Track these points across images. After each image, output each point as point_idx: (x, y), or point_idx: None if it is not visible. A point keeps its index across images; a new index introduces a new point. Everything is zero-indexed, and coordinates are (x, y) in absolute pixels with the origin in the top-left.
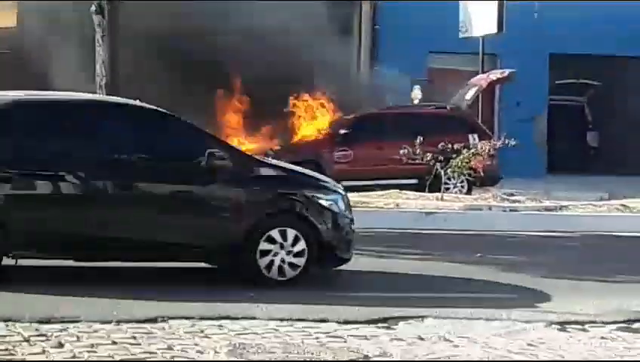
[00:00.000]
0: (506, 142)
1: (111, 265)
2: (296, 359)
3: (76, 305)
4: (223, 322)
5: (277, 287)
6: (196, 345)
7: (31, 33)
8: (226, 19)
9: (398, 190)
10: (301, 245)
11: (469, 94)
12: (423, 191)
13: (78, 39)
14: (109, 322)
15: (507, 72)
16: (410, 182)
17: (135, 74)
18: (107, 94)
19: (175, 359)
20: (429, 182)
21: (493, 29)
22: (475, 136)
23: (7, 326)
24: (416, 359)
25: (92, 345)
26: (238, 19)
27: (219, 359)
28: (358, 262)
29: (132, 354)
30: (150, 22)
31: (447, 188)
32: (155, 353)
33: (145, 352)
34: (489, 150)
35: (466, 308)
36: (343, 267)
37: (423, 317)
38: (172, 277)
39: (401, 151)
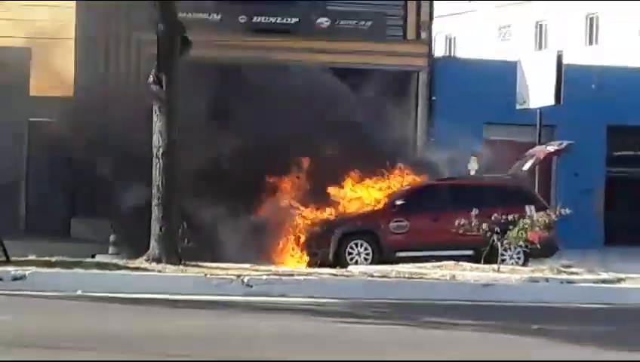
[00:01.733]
0: (561, 212)
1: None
2: None
3: None
4: None
5: None
6: None
7: (87, 102)
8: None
9: (453, 261)
10: None
11: (527, 165)
12: (479, 262)
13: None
14: None
15: (565, 143)
16: (465, 253)
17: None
18: (164, 163)
19: None
20: (484, 254)
21: (551, 101)
22: (532, 207)
23: None
24: None
25: None
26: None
27: None
28: (415, 333)
29: None
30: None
31: (504, 260)
32: None
33: None
34: (546, 221)
35: None
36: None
37: None
38: (228, 348)
39: (457, 223)
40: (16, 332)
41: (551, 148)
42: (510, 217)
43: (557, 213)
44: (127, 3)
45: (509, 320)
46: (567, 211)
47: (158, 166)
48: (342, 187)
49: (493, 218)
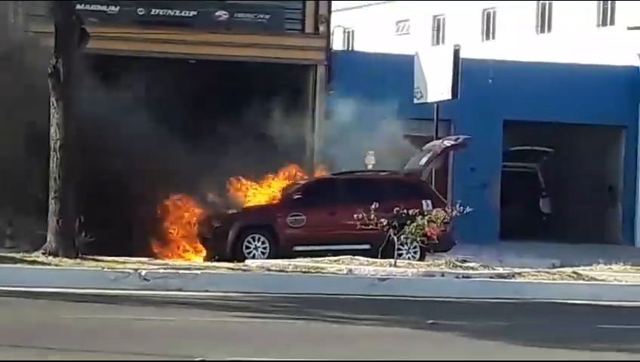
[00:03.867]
0: (462, 209)
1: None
2: None
3: None
4: None
5: None
6: None
7: None
8: None
9: (350, 256)
10: None
11: (423, 160)
12: (376, 257)
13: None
14: None
15: (461, 138)
16: (362, 248)
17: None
18: (61, 156)
19: None
20: (381, 248)
21: (448, 95)
22: (429, 202)
23: None
24: None
25: None
26: None
27: None
28: (310, 328)
29: None
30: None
31: (400, 254)
32: None
33: None
34: (444, 217)
35: None
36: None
37: None
38: (121, 342)
39: (356, 217)
40: None
41: (448, 143)
42: (410, 212)
43: (456, 210)
44: None
45: (405, 314)
46: (469, 209)
47: (55, 159)
48: (239, 183)
49: (394, 211)
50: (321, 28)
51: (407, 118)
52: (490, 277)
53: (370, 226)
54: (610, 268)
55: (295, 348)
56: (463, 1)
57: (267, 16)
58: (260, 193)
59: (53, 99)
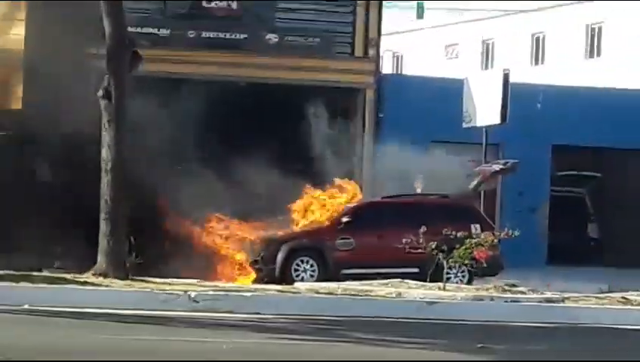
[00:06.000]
0: (510, 233)
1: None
2: None
3: None
4: None
5: None
6: None
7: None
8: None
9: (399, 279)
10: None
11: (472, 184)
12: (425, 280)
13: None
14: None
15: (510, 162)
16: (411, 271)
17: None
18: (112, 177)
19: None
20: (430, 272)
21: (497, 120)
22: (477, 226)
23: None
24: None
25: None
26: None
27: None
28: (358, 350)
29: None
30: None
31: (449, 278)
32: None
33: None
34: (492, 241)
35: None
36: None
37: None
38: None
39: (404, 240)
40: None
41: (497, 167)
42: (458, 235)
43: (506, 234)
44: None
45: (454, 338)
46: (517, 233)
47: (106, 180)
48: (292, 206)
49: (443, 234)
50: (371, 51)
51: (455, 142)
52: (539, 302)
53: (419, 250)
54: None
55: None
56: (512, 25)
57: (317, 40)
58: (310, 214)
59: (104, 121)
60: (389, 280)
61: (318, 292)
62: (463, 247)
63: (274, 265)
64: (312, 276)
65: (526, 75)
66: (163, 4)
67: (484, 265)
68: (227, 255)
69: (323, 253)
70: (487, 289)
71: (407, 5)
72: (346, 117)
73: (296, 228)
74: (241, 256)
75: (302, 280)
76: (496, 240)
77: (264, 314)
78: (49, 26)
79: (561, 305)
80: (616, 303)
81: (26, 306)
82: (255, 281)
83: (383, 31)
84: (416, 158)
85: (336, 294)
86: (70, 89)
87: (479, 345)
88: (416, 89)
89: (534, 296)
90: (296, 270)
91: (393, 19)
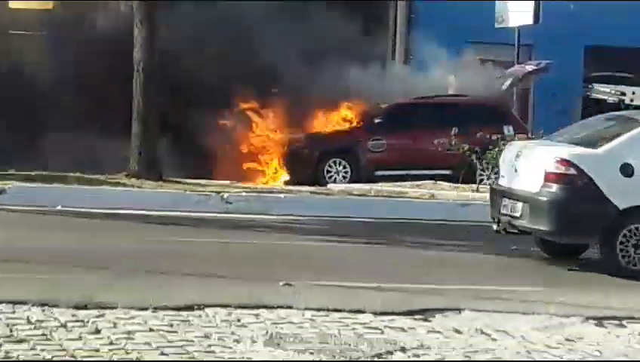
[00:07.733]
0: (541, 134)
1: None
2: (332, 349)
3: (113, 292)
4: (259, 311)
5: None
6: (233, 333)
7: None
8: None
9: (432, 181)
10: None
11: (505, 85)
12: (457, 182)
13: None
14: (146, 309)
15: (543, 63)
16: (443, 173)
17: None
18: (144, 77)
19: (212, 347)
20: (462, 173)
21: (530, 20)
22: (510, 127)
23: (43, 311)
24: (454, 351)
25: (129, 332)
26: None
27: (255, 348)
28: (394, 252)
29: (169, 342)
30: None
31: (482, 180)
32: (192, 341)
33: (182, 340)
34: None
35: (503, 301)
36: (379, 256)
37: (460, 309)
38: (212, 265)
39: (437, 141)
40: None
41: (530, 68)
42: (491, 137)
43: (537, 135)
44: None
45: (487, 240)
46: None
47: (138, 80)
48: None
49: (477, 136)
50: None
51: (488, 43)
52: None
53: (452, 151)
54: None
55: (376, 273)
56: None
57: None
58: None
59: (136, 20)
60: (421, 181)
61: (350, 194)
62: (497, 149)
63: (307, 166)
64: (344, 178)
65: None
66: None
67: None
68: (260, 156)
69: (355, 154)
70: None
71: None
72: (379, 20)
73: (329, 130)
74: (274, 158)
75: (334, 181)
76: None
77: (297, 216)
78: None
79: None
80: None
81: (59, 207)
82: (287, 183)
83: None
84: (448, 60)
85: (369, 196)
86: None
87: (513, 248)
88: None
89: None
90: (328, 171)
91: None
